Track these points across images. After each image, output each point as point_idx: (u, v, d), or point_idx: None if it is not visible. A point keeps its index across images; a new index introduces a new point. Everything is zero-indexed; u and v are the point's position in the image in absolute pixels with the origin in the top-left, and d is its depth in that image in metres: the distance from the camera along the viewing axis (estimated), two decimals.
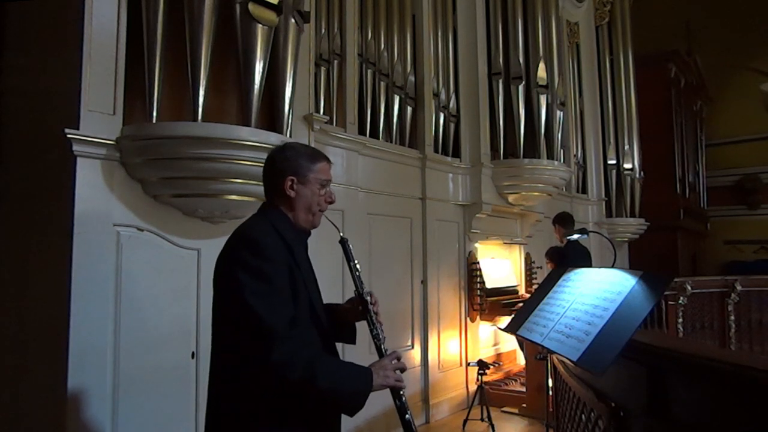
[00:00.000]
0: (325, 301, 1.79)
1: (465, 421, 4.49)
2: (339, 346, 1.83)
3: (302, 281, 1.59)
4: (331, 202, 1.73)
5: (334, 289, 3.70)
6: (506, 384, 5.47)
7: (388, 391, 1.63)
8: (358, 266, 1.79)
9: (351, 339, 1.90)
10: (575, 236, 3.84)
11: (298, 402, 1.50)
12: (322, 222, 1.77)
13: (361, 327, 1.83)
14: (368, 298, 1.76)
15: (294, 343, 1.45)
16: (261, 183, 1.74)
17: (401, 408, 1.66)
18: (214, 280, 1.60)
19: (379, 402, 4.36)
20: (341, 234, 1.81)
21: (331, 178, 1.74)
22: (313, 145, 3.48)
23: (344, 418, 1.62)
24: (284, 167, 1.66)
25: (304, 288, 1.59)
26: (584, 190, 7.99)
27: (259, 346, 1.42)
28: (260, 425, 1.50)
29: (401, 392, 1.65)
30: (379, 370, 1.59)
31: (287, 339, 1.43)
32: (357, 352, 2.74)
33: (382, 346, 1.73)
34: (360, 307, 1.78)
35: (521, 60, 5.77)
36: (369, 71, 4.58)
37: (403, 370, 1.65)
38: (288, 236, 1.61)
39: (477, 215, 5.42)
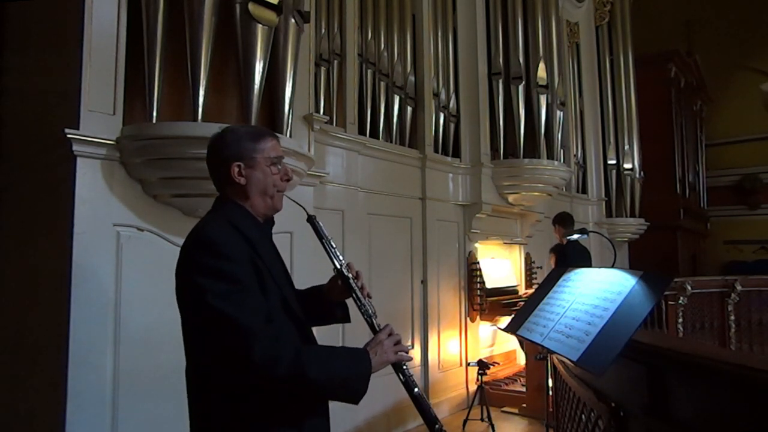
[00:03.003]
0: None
1: (465, 421, 4.48)
2: (339, 331, 1.71)
3: (269, 274, 1.46)
4: (288, 180, 1.57)
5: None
6: (506, 384, 5.47)
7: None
8: (332, 242, 1.63)
9: (344, 318, 1.75)
10: (575, 236, 3.84)
11: (292, 399, 1.38)
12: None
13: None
14: (347, 272, 1.60)
15: (274, 338, 1.33)
16: None
17: (407, 383, 1.51)
18: (176, 293, 1.45)
19: (379, 402, 4.39)
20: (308, 213, 1.64)
21: (282, 154, 1.57)
22: (312, 146, 3.49)
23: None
24: (227, 154, 1.50)
25: (271, 281, 1.46)
26: (584, 190, 7.99)
27: (237, 348, 1.30)
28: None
29: (404, 366, 1.50)
30: (376, 347, 1.45)
31: (266, 335, 1.31)
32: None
33: (375, 321, 1.56)
34: (341, 283, 1.63)
35: (521, 60, 5.77)
36: (369, 71, 4.58)
37: (399, 341, 1.51)
38: (246, 229, 1.46)
39: (477, 215, 5.42)
